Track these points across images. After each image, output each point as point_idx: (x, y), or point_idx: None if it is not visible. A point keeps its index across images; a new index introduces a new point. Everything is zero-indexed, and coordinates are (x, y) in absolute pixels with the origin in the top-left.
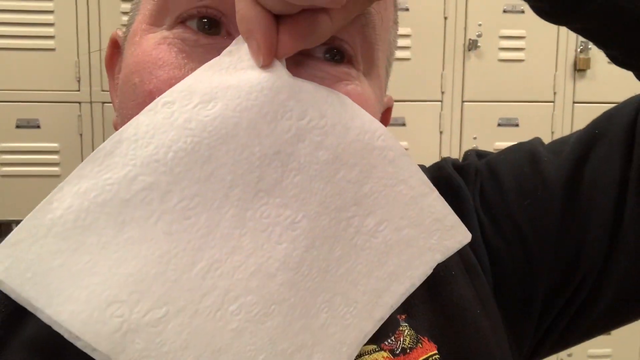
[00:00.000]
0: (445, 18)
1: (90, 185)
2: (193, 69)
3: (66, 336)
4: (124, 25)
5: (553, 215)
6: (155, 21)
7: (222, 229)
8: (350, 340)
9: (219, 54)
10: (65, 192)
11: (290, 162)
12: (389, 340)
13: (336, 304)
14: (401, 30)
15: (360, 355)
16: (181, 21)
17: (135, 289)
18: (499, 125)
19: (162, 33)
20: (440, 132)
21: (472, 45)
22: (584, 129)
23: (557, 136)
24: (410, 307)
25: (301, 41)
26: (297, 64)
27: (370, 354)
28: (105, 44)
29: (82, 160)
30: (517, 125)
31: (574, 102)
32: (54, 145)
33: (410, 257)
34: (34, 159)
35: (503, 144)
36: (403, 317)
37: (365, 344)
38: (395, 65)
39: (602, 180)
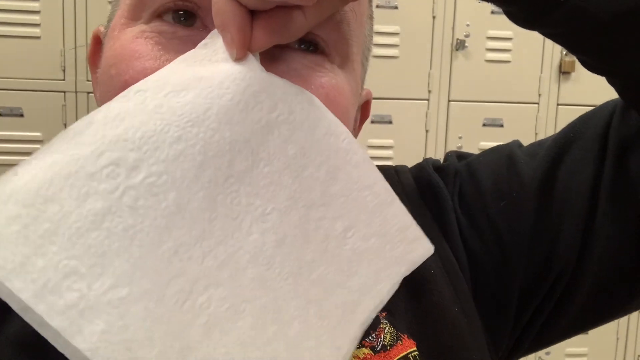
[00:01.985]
0: (434, 17)
1: (56, 159)
2: (169, 60)
3: (15, 307)
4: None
5: (528, 216)
6: (134, 15)
7: (192, 210)
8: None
9: (195, 46)
10: (31, 165)
11: (260, 152)
12: (370, 338)
13: (309, 314)
14: (389, 29)
15: None
16: (158, 15)
17: (97, 261)
18: (484, 125)
19: (140, 27)
20: (426, 131)
21: (460, 45)
22: (560, 131)
23: (540, 137)
24: (390, 305)
25: (275, 36)
26: (273, 55)
27: None
28: (91, 32)
29: None
30: (501, 125)
31: (558, 104)
32: (37, 134)
33: (378, 268)
34: (17, 148)
35: (488, 144)
36: (383, 314)
37: None
38: (383, 63)
39: (575, 182)
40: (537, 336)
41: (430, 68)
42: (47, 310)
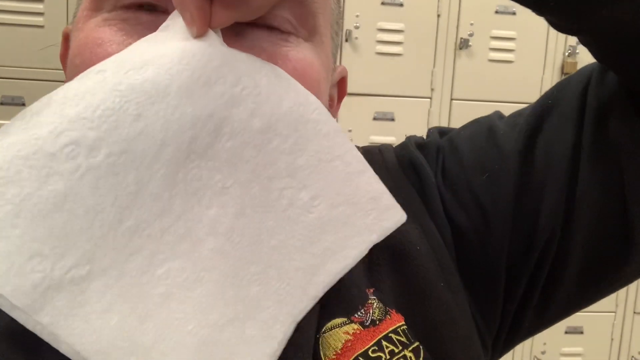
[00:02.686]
0: (438, 16)
1: (15, 140)
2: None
3: None
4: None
5: (510, 187)
6: (97, 6)
7: (152, 189)
8: (283, 317)
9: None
10: None
11: (223, 127)
12: (359, 313)
13: (269, 277)
14: (394, 26)
15: (331, 328)
16: (121, 6)
17: (59, 243)
18: None
19: (103, 15)
20: (429, 129)
21: (464, 44)
22: (538, 99)
23: None
24: (377, 282)
25: (234, 12)
26: (237, 33)
27: (341, 326)
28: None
29: None
30: None
31: None
32: None
33: (346, 235)
34: None
35: None
36: (371, 290)
37: (336, 317)
38: (387, 61)
39: (555, 149)
40: (535, 313)
41: (434, 66)
42: (12, 292)
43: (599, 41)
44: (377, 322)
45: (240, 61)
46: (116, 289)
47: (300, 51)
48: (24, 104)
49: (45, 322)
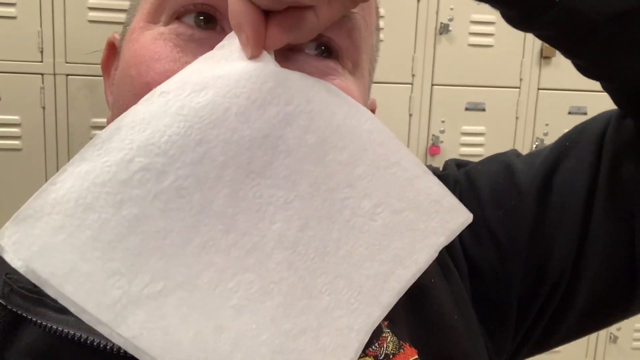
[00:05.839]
0: (418, 1)
1: (90, 168)
2: (187, 63)
3: (72, 310)
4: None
5: (525, 225)
6: (153, 19)
7: (216, 208)
8: (359, 326)
9: (212, 48)
10: (67, 174)
11: (279, 145)
12: (373, 347)
13: (339, 287)
14: None
15: None
16: (177, 17)
17: (134, 262)
18: (467, 109)
19: (159, 29)
20: (410, 115)
21: (444, 29)
22: (557, 140)
23: (521, 121)
24: (392, 314)
25: (288, 34)
26: (287, 58)
27: None
28: (69, 12)
29: (44, 134)
30: (483, 109)
31: (538, 89)
32: (14, 117)
33: (413, 240)
34: None
35: (470, 128)
36: (385, 323)
37: None
38: None
39: (571, 190)
40: (536, 341)
41: (415, 52)
42: (96, 308)
43: (619, 88)
44: (391, 356)
45: (293, 80)
46: (191, 303)
47: (344, 81)
48: None
49: (128, 335)
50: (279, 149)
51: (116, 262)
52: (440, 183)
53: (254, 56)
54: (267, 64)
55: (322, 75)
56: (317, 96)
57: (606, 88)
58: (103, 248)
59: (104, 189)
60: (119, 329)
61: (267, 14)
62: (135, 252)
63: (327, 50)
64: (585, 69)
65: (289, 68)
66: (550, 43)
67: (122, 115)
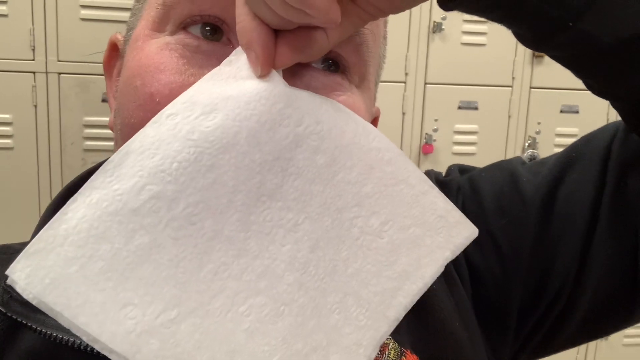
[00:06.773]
0: None
1: (101, 196)
2: (193, 74)
3: (85, 339)
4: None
5: (528, 234)
6: (159, 27)
7: (227, 233)
8: (367, 342)
9: (218, 61)
10: (78, 203)
11: (289, 167)
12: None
13: (348, 304)
14: None
15: None
16: (183, 27)
17: (147, 291)
18: (459, 108)
19: (165, 39)
20: (403, 114)
21: (437, 28)
22: (563, 151)
23: (513, 119)
24: None
25: (298, 54)
26: (294, 74)
27: None
28: (61, 10)
29: (36, 133)
30: (476, 108)
31: (531, 87)
32: (6, 116)
33: (420, 255)
34: None
35: (463, 127)
36: None
37: None
38: None
39: (575, 202)
40: (535, 348)
41: (408, 51)
42: (110, 338)
43: (629, 109)
44: None
45: (302, 100)
46: (204, 329)
47: (350, 96)
48: None
49: None
50: (289, 171)
51: (129, 292)
52: (446, 198)
53: (263, 75)
54: (277, 85)
55: (329, 90)
56: (326, 115)
57: (615, 106)
58: (116, 278)
59: (116, 217)
60: (133, 358)
61: (276, 32)
62: (149, 282)
63: (334, 64)
64: (596, 89)
65: (296, 83)
66: (563, 63)
67: (131, 139)
